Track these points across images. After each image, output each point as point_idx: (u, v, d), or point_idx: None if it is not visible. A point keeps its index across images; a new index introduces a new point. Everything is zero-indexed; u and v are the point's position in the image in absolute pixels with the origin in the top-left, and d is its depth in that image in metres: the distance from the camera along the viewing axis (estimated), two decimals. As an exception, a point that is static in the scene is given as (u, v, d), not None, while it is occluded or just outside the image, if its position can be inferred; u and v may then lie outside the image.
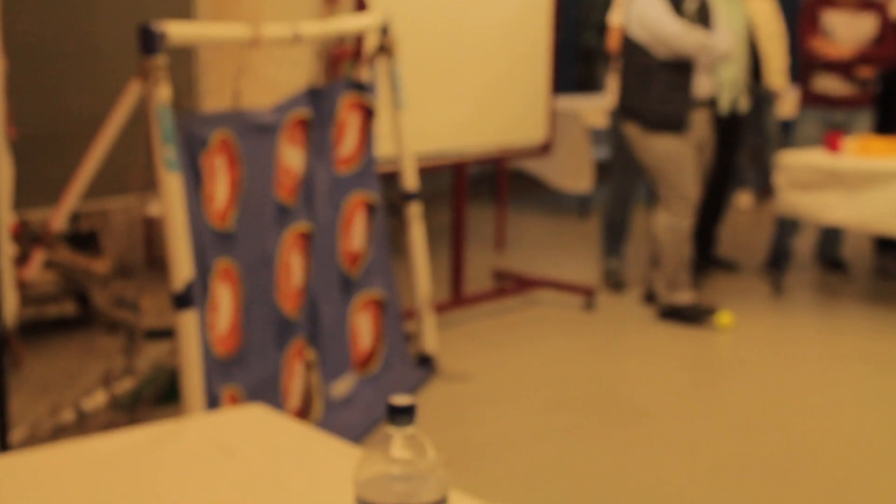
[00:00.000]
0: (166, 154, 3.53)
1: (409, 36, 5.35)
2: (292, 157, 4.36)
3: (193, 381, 3.56)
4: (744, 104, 6.99)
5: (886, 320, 6.40)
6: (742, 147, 7.42)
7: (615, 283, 6.84)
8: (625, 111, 6.25)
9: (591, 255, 7.33)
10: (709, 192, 7.18)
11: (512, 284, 6.62)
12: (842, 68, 6.96)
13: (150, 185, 3.66)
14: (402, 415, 1.52)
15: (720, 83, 6.51)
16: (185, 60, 4.68)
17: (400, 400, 1.52)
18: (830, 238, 7.33)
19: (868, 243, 7.53)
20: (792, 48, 7.96)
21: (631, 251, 7.14)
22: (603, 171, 7.15)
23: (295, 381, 4.34)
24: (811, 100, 7.11)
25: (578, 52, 12.09)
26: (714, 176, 7.10)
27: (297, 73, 4.52)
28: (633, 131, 6.20)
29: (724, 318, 6.11)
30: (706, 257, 7.30)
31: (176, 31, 3.68)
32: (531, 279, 6.66)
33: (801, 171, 6.45)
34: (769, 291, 6.84)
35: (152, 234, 6.27)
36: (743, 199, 9.84)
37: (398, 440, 1.51)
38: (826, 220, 6.56)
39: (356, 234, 4.83)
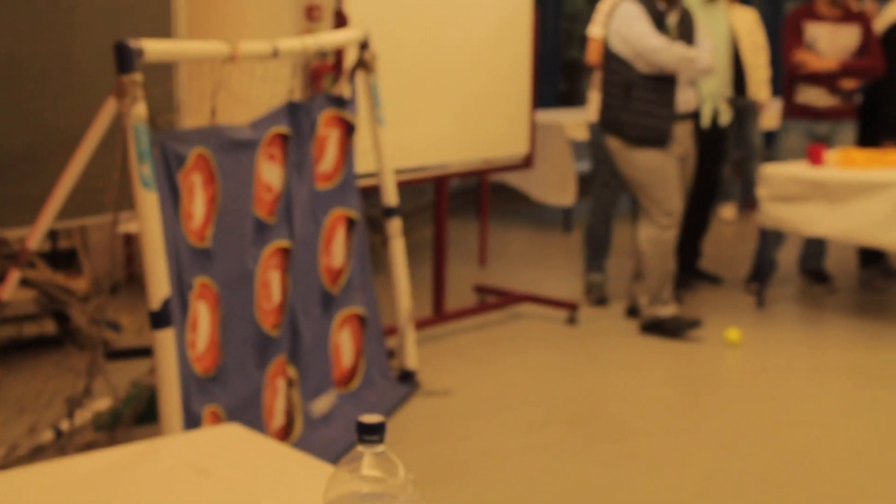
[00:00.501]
0: (142, 172, 3.51)
1: (389, 51, 5.34)
2: (271, 173, 4.34)
3: (171, 400, 3.53)
4: (725, 116, 6.99)
5: (870, 333, 6.39)
6: (725, 159, 7.42)
7: (598, 297, 6.83)
8: (607, 125, 6.24)
9: (574, 269, 7.31)
10: (693, 206, 7.19)
11: (494, 299, 6.61)
12: (825, 80, 6.96)
13: (125, 202, 3.63)
14: (372, 433, 1.50)
15: (701, 96, 6.51)
16: (163, 77, 4.65)
17: (369, 418, 1.50)
18: (814, 250, 7.33)
19: (852, 255, 7.52)
20: (775, 60, 7.97)
21: (613, 265, 7.12)
22: (586, 184, 7.15)
23: (277, 399, 4.31)
24: (794, 111, 7.11)
25: (562, 66, 12.10)
26: (698, 189, 7.10)
27: (277, 89, 4.49)
28: (615, 145, 6.19)
29: (731, 334, 6.07)
30: (691, 271, 7.30)
31: (152, 47, 3.66)
32: (513, 294, 6.65)
33: (785, 183, 6.46)
34: (753, 304, 6.83)
35: (133, 252, 6.25)
36: (727, 212, 9.85)
37: (368, 459, 1.50)
38: (809, 232, 6.56)
39: (336, 250, 4.81)
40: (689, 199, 7.03)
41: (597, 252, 6.91)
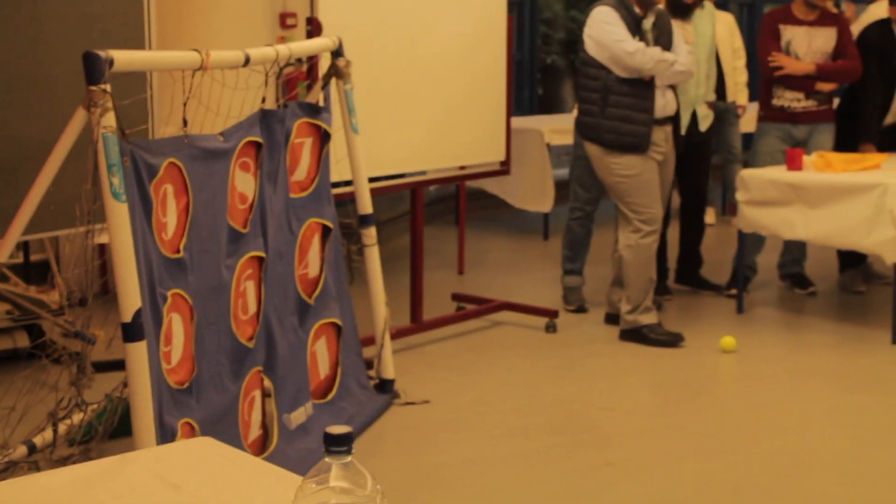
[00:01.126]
0: (112, 183, 3.46)
1: (363, 58, 5.32)
2: (244, 182, 4.31)
3: (144, 414, 3.49)
4: (706, 122, 7.00)
5: (851, 336, 6.38)
6: (710, 164, 7.43)
7: (575, 300, 6.80)
8: (585, 131, 6.22)
9: (553, 276, 7.28)
10: (685, 213, 7.20)
11: (473, 307, 6.57)
12: (802, 83, 6.96)
13: (97, 214, 3.59)
14: (339, 444, 1.48)
15: (682, 101, 6.48)
16: (135, 87, 4.62)
17: (336, 429, 1.49)
18: (794, 254, 7.32)
19: (832, 259, 7.52)
20: (752, 63, 7.97)
21: (593, 271, 7.10)
22: (565, 190, 7.14)
23: (253, 411, 4.27)
24: (771, 115, 7.11)
25: (541, 71, 12.12)
26: (688, 196, 7.12)
27: (250, 98, 4.46)
28: (594, 152, 6.18)
29: (726, 341, 6.04)
30: (695, 279, 7.29)
31: (122, 57, 3.62)
32: (492, 302, 6.62)
33: (763, 187, 6.45)
34: (733, 309, 6.81)
35: (107, 262, 6.21)
36: (707, 216, 9.84)
37: (336, 470, 1.48)
38: (789, 236, 6.56)
39: (312, 259, 4.78)
40: (681, 206, 7.06)
41: (575, 253, 6.88)
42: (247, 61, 4.23)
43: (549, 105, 12.14)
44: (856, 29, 7.42)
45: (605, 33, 5.99)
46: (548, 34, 12.45)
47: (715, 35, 7.07)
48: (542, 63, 12.27)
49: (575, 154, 6.71)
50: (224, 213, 4.15)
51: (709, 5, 7.01)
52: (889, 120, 7.20)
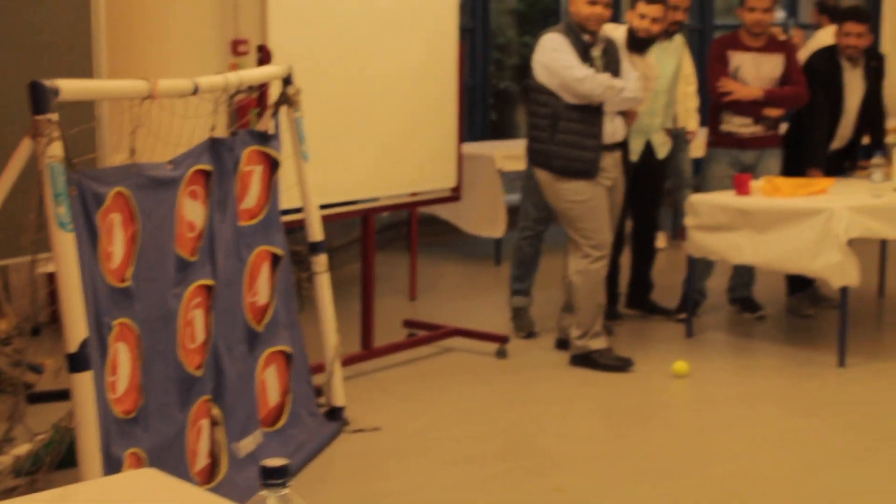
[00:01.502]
0: (59, 212, 3.46)
1: (314, 85, 5.33)
2: (193, 210, 4.31)
3: (90, 444, 3.48)
4: (663, 150, 7.06)
5: (799, 360, 6.44)
6: (663, 190, 7.48)
7: (524, 325, 6.82)
8: (535, 158, 6.25)
9: (505, 301, 7.29)
10: (636, 238, 7.24)
11: (424, 333, 6.57)
12: (750, 108, 7.03)
13: (44, 243, 3.58)
14: (275, 477, 1.49)
15: (632, 130, 6.52)
16: (85, 116, 4.61)
17: (272, 462, 1.49)
18: (743, 278, 7.37)
19: (780, 283, 7.58)
20: (702, 89, 8.03)
21: (544, 297, 7.11)
22: (517, 215, 7.17)
23: (201, 441, 4.26)
24: (720, 140, 7.17)
25: (495, 96, 12.16)
26: (640, 221, 7.16)
27: (199, 126, 4.46)
28: (543, 178, 6.21)
29: (679, 366, 6.07)
30: (645, 304, 7.34)
31: (68, 87, 3.62)
32: (443, 328, 6.62)
33: (712, 212, 6.50)
34: (682, 333, 6.85)
35: (56, 291, 6.16)
36: (658, 241, 9.88)
37: (272, 503, 1.48)
38: (737, 261, 6.61)
39: (261, 287, 4.78)
40: (633, 231, 7.10)
41: (523, 273, 6.90)
42: (196, 90, 4.24)
43: (502, 130, 12.17)
44: (803, 55, 7.50)
45: (555, 60, 6.03)
46: (501, 59, 12.50)
47: (680, 69, 7.15)
48: (496, 88, 12.32)
49: (527, 174, 6.74)
50: (172, 242, 4.15)
51: (679, 39, 7.08)
52: (835, 145, 7.28)
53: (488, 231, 8.78)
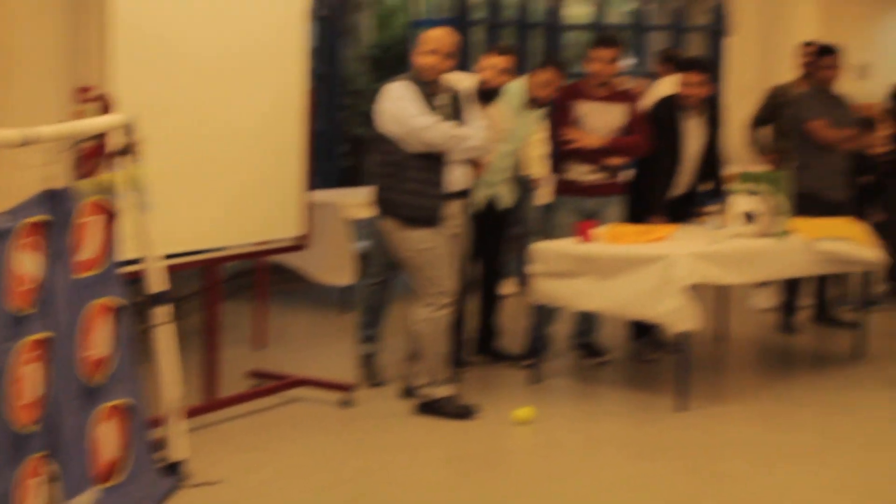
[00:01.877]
0: None
1: (158, 134, 5.26)
2: (27, 262, 4.23)
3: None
4: (506, 200, 7.14)
5: (643, 404, 6.54)
6: (508, 239, 7.55)
7: (372, 374, 6.81)
8: (380, 206, 6.27)
9: (351, 350, 7.27)
10: (481, 286, 7.27)
11: (269, 383, 6.51)
12: (592, 157, 7.15)
13: None
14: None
15: (478, 181, 6.58)
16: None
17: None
18: (587, 324, 7.47)
19: (623, 329, 7.70)
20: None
21: (391, 345, 7.11)
22: (365, 262, 7.17)
23: (31, 499, 4.16)
24: (564, 188, 7.28)
25: (349, 143, 12.15)
26: (484, 269, 7.20)
27: (38, 176, 4.39)
28: (388, 226, 6.23)
29: (521, 412, 6.11)
30: (490, 351, 7.37)
31: None
32: (288, 377, 6.57)
33: (555, 259, 6.59)
34: (528, 379, 6.91)
35: None
36: (506, 287, 9.95)
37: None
38: (581, 307, 6.70)
39: (99, 340, 4.69)
40: (480, 278, 7.14)
41: (371, 320, 6.91)
42: (25, 142, 4.16)
43: (355, 177, 12.14)
44: (646, 103, 7.66)
45: (399, 108, 6.06)
46: (354, 105, 12.50)
47: (534, 139, 7.28)
48: (349, 135, 12.30)
49: (376, 221, 6.76)
50: (2, 296, 4.06)
51: (539, 111, 7.18)
52: (676, 192, 7.43)
53: (336, 279, 8.76)
